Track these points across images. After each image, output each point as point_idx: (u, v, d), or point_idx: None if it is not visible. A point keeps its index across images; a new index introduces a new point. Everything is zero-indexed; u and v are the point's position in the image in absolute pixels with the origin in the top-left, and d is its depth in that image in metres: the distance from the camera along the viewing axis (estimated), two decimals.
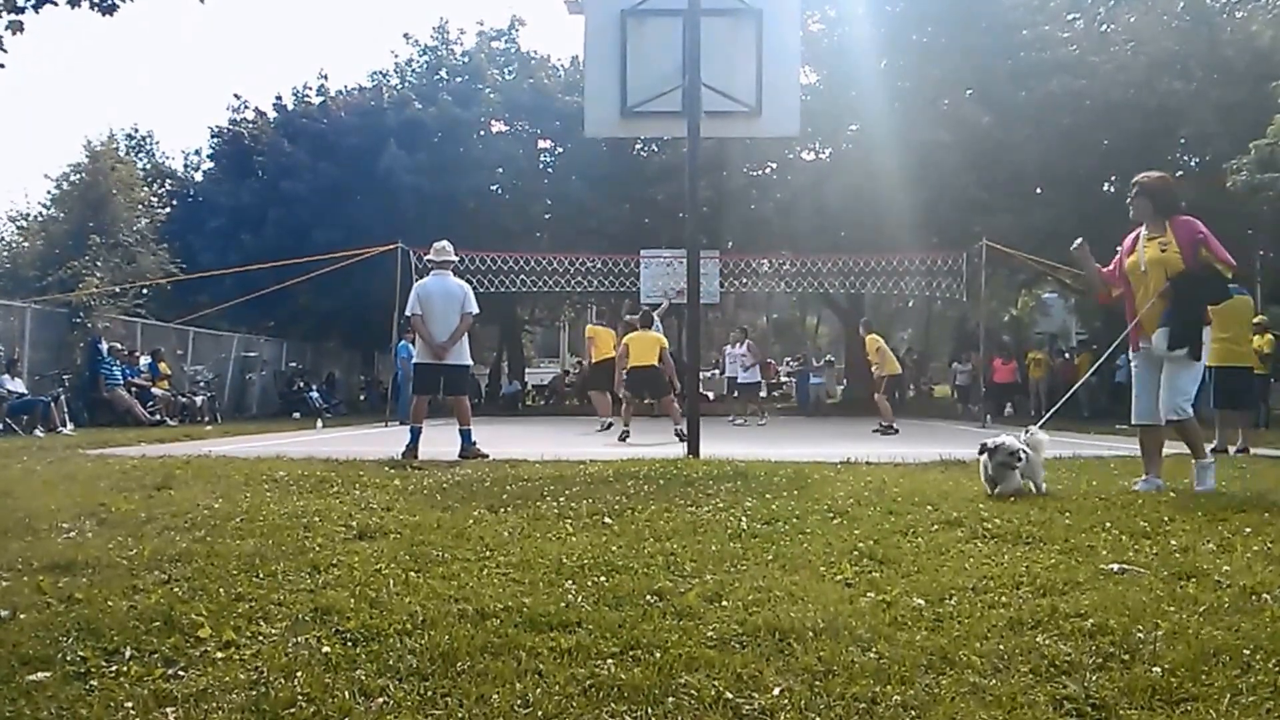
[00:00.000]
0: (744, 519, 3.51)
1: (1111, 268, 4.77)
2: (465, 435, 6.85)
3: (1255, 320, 9.13)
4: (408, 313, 6.99)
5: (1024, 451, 4.13)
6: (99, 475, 5.19)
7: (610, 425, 10.77)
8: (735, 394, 15.71)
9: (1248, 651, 1.88)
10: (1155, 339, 4.39)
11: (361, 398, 21.82)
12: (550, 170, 23.32)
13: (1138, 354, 4.59)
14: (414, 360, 7.19)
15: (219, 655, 1.91)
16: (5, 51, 5.45)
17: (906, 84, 17.61)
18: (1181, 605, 2.26)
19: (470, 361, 7.16)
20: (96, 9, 5.55)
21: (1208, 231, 4.37)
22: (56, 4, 5.45)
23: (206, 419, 14.26)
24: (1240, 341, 7.82)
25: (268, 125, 22.52)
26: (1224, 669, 1.81)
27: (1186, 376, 4.42)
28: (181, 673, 1.82)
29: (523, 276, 15.87)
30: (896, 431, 11.11)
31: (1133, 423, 4.69)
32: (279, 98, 23.29)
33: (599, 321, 12.52)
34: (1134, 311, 4.57)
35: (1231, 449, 7.50)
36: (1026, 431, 4.35)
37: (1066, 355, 19.36)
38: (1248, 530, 3.25)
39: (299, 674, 1.78)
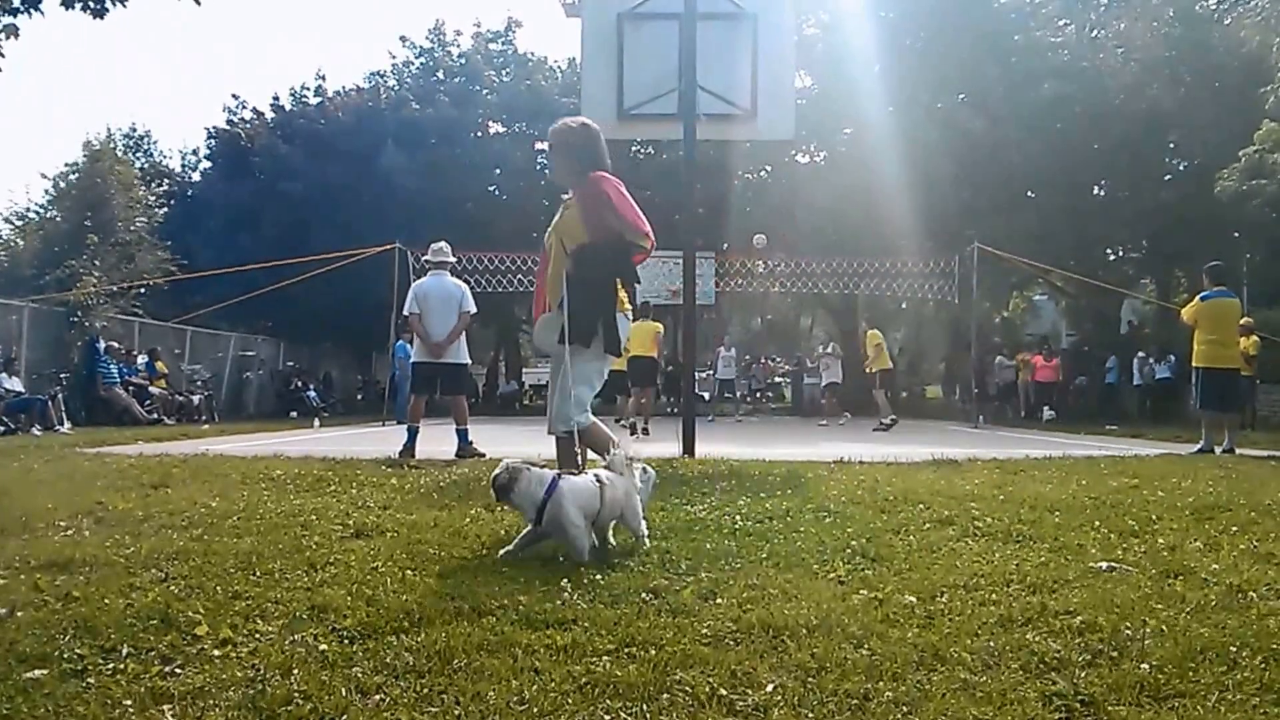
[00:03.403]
0: (738, 517, 3.53)
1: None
2: (462, 435, 6.87)
3: (1241, 322, 9.22)
4: (405, 312, 7.01)
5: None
6: (96, 474, 5.18)
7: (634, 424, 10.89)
8: (723, 395, 16.16)
9: (1234, 648, 1.91)
10: (539, 328, 3.49)
11: (359, 397, 21.80)
12: (548, 171, 23.32)
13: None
14: (412, 359, 7.20)
15: (216, 653, 1.91)
16: (3, 55, 5.48)
17: (900, 89, 17.70)
18: (1169, 603, 2.28)
19: (468, 360, 7.18)
20: (88, 11, 5.57)
21: (623, 193, 3.38)
22: (44, 13, 5.47)
23: (204, 418, 14.24)
24: (1227, 344, 7.90)
25: (265, 125, 22.49)
26: (1211, 666, 1.83)
27: (583, 376, 3.45)
28: (179, 670, 1.82)
29: (520, 276, 15.87)
30: (895, 422, 11.18)
31: (548, 432, 3.64)
32: (276, 98, 23.31)
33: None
34: (541, 294, 3.63)
35: (1218, 449, 7.56)
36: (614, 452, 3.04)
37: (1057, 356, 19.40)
38: (1234, 529, 3.29)
39: (296, 672, 1.79)
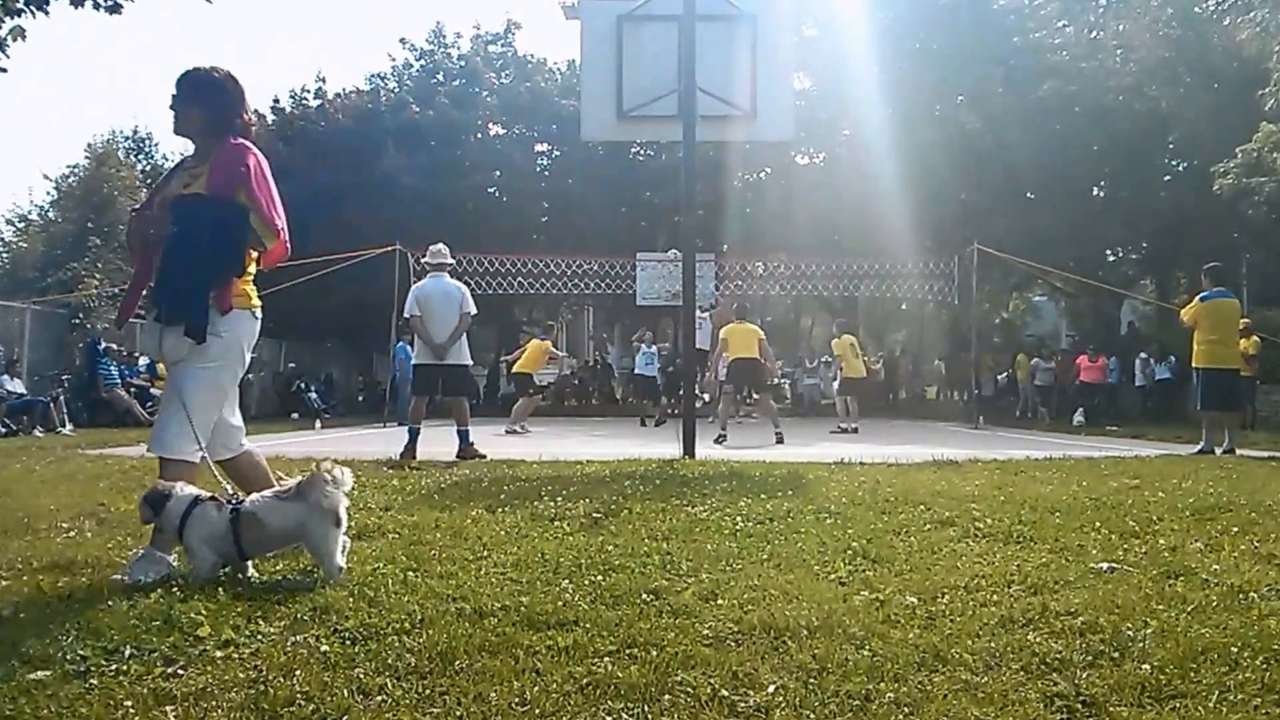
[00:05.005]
0: (739, 518, 3.54)
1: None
2: (463, 436, 6.87)
3: (1241, 323, 9.22)
4: (406, 315, 7.01)
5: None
6: (98, 475, 5.20)
7: (524, 430, 11.16)
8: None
9: (1235, 649, 1.91)
10: (147, 333, 2.77)
11: (360, 399, 21.80)
12: (547, 173, 23.35)
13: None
14: (413, 362, 7.21)
15: (218, 654, 1.92)
16: (8, 56, 5.49)
17: (900, 90, 17.72)
18: (1170, 604, 2.29)
19: (470, 361, 7.19)
20: (101, 9, 5.57)
21: (267, 175, 2.86)
22: (48, 12, 5.47)
23: None
24: (1227, 344, 7.89)
25: (265, 128, 22.50)
26: (1212, 666, 1.83)
27: (192, 380, 2.74)
28: (181, 671, 1.82)
29: (520, 279, 15.89)
30: (856, 431, 11.27)
31: (148, 450, 2.95)
32: (276, 100, 23.32)
33: (536, 331, 13.29)
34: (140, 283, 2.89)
35: (1218, 450, 7.55)
36: (323, 471, 2.55)
37: (1059, 357, 19.35)
38: (1235, 530, 3.29)
39: (298, 673, 1.80)
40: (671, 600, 2.33)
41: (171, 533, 2.57)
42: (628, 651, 1.93)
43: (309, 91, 23.30)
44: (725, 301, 18.31)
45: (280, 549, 2.68)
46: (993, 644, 1.98)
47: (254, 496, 2.62)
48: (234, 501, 2.59)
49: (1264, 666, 1.82)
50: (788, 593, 2.41)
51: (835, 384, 13.97)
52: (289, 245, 2.91)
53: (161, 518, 2.56)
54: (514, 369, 12.84)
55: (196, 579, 2.48)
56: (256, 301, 2.95)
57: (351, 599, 2.32)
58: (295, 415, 16.14)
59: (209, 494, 2.62)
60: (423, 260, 7.59)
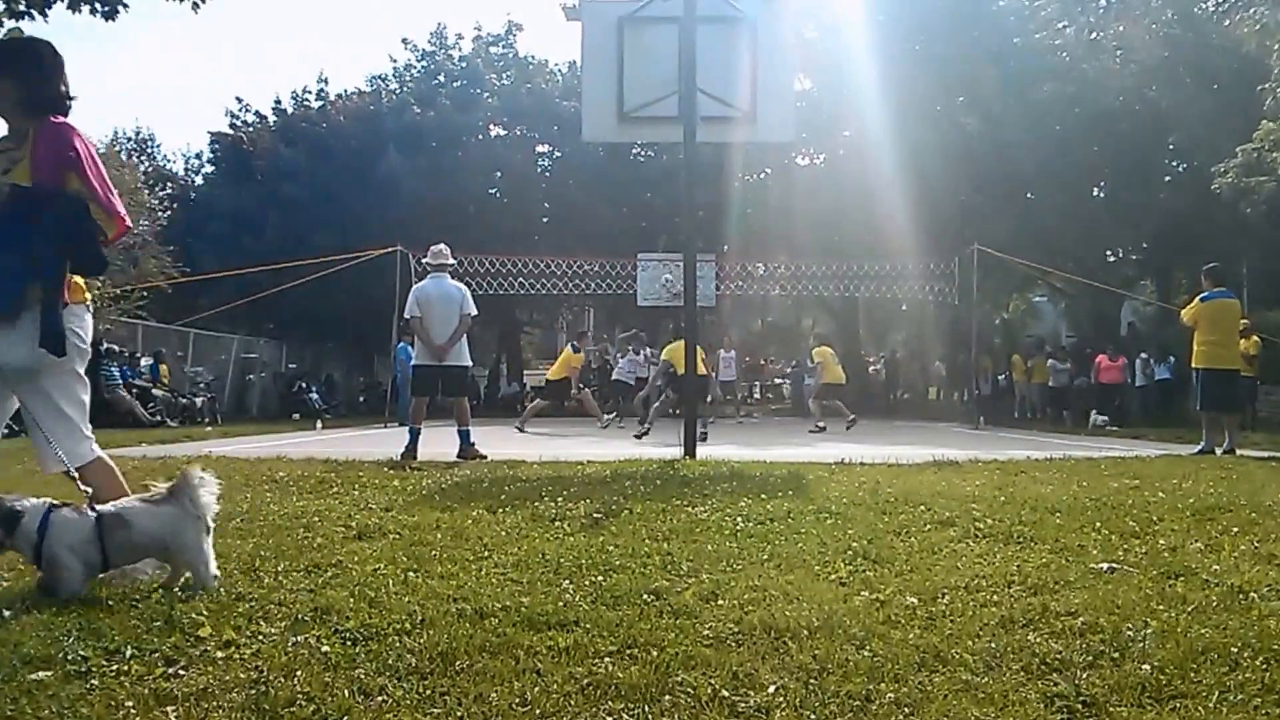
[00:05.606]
0: (740, 519, 3.54)
1: None
2: (464, 436, 6.88)
3: (1241, 323, 9.22)
4: (406, 315, 7.02)
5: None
6: None
7: (605, 422, 11.71)
8: (724, 396, 16.23)
9: (1235, 649, 1.91)
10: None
11: (361, 399, 21.83)
12: (548, 174, 23.38)
13: None
14: (413, 362, 7.22)
15: (219, 654, 1.92)
16: None
17: (900, 91, 17.72)
18: (1170, 604, 2.29)
19: (470, 362, 7.19)
20: (97, 14, 5.60)
21: (95, 157, 2.63)
22: (46, 17, 5.47)
23: (207, 420, 14.28)
24: (1227, 344, 7.89)
25: (267, 129, 22.57)
26: (1212, 667, 1.83)
27: (64, 388, 2.69)
28: (182, 672, 1.83)
29: (521, 279, 15.92)
30: (824, 429, 11.68)
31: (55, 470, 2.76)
32: (278, 101, 23.39)
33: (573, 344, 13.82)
34: None
35: (1218, 450, 7.55)
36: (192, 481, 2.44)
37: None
38: (1235, 530, 3.29)
39: (299, 673, 1.80)
40: (672, 601, 2.33)
41: (28, 552, 2.29)
42: (628, 652, 1.93)
43: (310, 93, 23.38)
44: (724, 302, 18.41)
45: (144, 557, 2.46)
46: (993, 644, 1.98)
47: (117, 500, 2.44)
48: (93, 506, 2.36)
49: (1264, 666, 1.83)
50: (788, 593, 2.41)
51: (812, 388, 14.13)
52: (129, 223, 2.67)
53: (17, 537, 2.26)
54: (549, 378, 13.16)
55: (61, 593, 2.26)
56: (88, 295, 2.80)
57: (352, 599, 2.33)
58: (297, 416, 16.16)
59: (59, 501, 2.39)
60: (423, 261, 7.60)
